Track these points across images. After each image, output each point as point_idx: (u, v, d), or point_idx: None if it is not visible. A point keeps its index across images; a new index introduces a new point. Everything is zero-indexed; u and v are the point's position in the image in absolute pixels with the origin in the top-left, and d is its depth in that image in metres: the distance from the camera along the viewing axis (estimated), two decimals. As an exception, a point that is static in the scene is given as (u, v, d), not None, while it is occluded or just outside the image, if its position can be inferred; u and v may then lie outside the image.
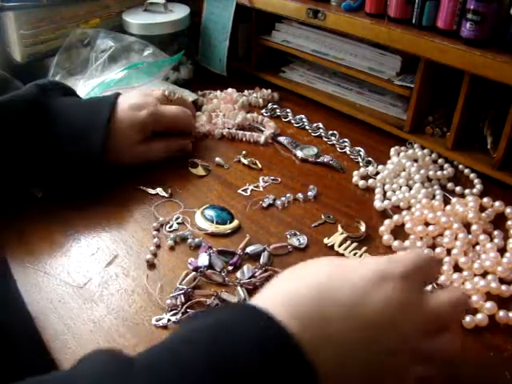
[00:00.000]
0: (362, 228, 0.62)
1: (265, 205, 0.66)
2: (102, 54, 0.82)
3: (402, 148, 0.77)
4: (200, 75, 0.98)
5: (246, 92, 0.91)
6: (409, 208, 0.66)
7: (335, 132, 0.81)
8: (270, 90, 0.92)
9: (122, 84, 0.80)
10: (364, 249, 0.59)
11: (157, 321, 0.50)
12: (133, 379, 0.27)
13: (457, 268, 0.56)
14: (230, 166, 0.74)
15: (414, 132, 0.77)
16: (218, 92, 0.90)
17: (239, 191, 0.69)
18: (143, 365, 0.29)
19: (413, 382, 0.34)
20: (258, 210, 0.66)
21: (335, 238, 0.60)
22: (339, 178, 0.72)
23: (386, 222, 0.62)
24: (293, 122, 0.85)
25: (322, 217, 0.64)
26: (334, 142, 0.80)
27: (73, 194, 0.66)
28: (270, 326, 0.29)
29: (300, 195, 0.68)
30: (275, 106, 0.88)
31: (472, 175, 0.71)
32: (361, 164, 0.75)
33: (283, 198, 0.67)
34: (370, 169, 0.73)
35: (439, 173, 0.71)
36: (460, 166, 0.73)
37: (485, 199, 0.65)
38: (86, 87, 0.79)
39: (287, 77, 0.94)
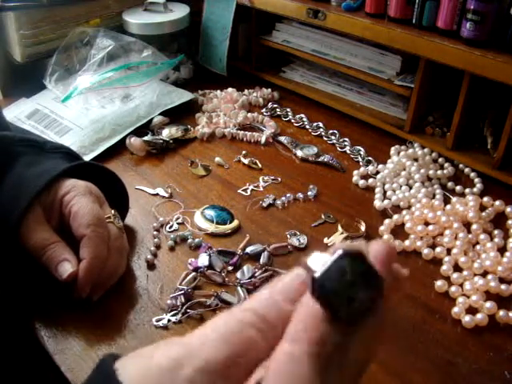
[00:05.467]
0: (362, 227, 0.62)
1: (265, 205, 0.66)
2: (101, 51, 0.82)
3: (402, 147, 0.77)
4: (200, 75, 0.98)
5: (246, 91, 0.91)
6: (409, 207, 0.66)
7: (335, 131, 0.81)
8: (270, 90, 0.92)
9: (120, 84, 0.80)
10: (364, 249, 0.59)
11: (157, 321, 0.50)
12: None
13: (457, 268, 0.56)
14: (230, 166, 0.74)
15: (414, 132, 0.77)
16: (218, 92, 0.91)
17: (239, 191, 0.69)
18: None
19: None
20: (257, 209, 0.66)
21: (335, 238, 0.60)
22: (339, 178, 0.72)
23: (386, 221, 0.62)
24: (293, 121, 0.85)
25: (322, 216, 0.64)
26: (334, 141, 0.80)
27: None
28: None
29: (300, 195, 0.68)
30: (275, 106, 0.88)
31: (472, 174, 0.71)
32: (361, 163, 0.74)
33: (283, 198, 0.67)
34: (370, 168, 0.73)
35: (439, 172, 0.71)
36: (460, 165, 0.73)
37: (485, 198, 0.65)
38: (82, 82, 0.79)
39: (287, 77, 0.94)
